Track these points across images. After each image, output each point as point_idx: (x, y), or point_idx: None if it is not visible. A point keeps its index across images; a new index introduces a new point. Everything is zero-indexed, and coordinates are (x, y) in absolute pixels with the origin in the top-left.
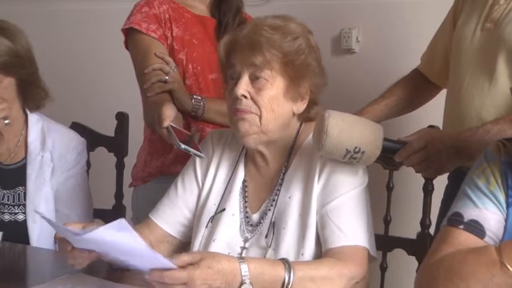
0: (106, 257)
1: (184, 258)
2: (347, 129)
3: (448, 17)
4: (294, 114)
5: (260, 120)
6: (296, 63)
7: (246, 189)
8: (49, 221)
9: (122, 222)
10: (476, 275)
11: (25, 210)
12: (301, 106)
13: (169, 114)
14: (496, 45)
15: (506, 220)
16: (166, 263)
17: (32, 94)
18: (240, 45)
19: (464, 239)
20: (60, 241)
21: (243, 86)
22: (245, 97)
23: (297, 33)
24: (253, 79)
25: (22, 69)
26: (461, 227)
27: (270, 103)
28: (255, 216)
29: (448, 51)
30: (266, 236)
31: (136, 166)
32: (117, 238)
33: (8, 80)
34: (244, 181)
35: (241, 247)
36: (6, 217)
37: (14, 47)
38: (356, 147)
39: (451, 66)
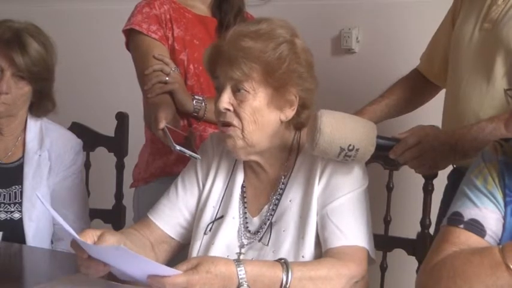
0: (115, 271)
1: (183, 267)
2: (340, 126)
3: (447, 17)
4: (282, 122)
5: (242, 133)
6: (278, 72)
7: (245, 194)
8: (67, 229)
9: (120, 248)
10: (480, 276)
11: (21, 208)
12: (289, 113)
13: (165, 116)
14: (494, 46)
15: (504, 219)
16: (168, 270)
17: (41, 105)
18: (221, 58)
19: (465, 238)
20: (77, 248)
21: (225, 99)
22: (228, 110)
23: (281, 40)
24: (235, 91)
25: (44, 81)
26: (462, 226)
27: (252, 115)
28: (256, 220)
29: (447, 51)
30: (262, 237)
31: (138, 166)
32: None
33: (28, 88)
34: (242, 186)
35: (237, 253)
36: (2, 216)
37: (49, 60)
38: (350, 145)
39: (449, 67)
